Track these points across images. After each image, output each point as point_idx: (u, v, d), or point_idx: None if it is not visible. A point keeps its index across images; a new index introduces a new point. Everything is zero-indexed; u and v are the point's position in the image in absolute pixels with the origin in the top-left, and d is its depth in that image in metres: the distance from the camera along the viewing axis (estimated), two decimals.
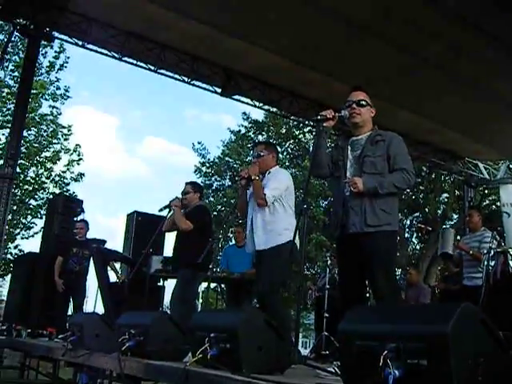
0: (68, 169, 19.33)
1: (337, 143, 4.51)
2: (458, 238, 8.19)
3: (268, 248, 5.06)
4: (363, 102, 4.27)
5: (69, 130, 19.62)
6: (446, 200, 21.69)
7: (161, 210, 6.70)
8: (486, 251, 6.72)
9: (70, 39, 8.62)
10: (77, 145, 19.57)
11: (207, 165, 23.88)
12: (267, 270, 4.97)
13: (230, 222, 21.19)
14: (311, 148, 21.65)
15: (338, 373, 3.33)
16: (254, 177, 5.17)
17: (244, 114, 23.09)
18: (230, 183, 23.55)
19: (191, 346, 3.95)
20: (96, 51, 8.73)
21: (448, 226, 21.01)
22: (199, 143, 23.77)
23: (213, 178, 24.15)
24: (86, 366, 5.01)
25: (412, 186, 4.17)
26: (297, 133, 23.05)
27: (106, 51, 8.80)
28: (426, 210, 21.37)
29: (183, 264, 6.32)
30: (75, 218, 9.55)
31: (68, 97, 19.40)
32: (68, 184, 19.37)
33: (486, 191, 18.05)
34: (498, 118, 9.92)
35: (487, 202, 20.93)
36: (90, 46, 8.66)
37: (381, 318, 2.73)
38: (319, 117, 4.19)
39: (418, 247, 23.53)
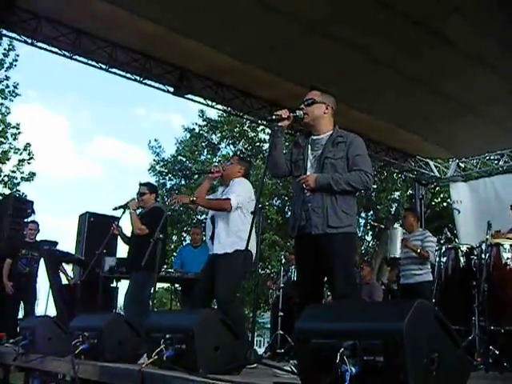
0: (18, 168, 18.96)
1: (297, 141, 4.49)
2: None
3: (227, 252, 5.08)
4: (310, 101, 4.27)
5: (17, 129, 19.25)
6: (398, 198, 22.02)
7: (115, 208, 6.65)
8: (432, 250, 6.85)
9: (18, 37, 8.42)
10: (27, 143, 19.23)
11: (161, 163, 23.71)
12: (225, 276, 4.98)
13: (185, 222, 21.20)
14: (265, 147, 21.80)
15: (294, 371, 3.34)
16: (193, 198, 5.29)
17: (201, 111, 23.04)
18: (183, 182, 23.46)
19: (146, 348, 3.92)
20: (46, 49, 8.56)
21: (397, 225, 21.31)
22: (155, 141, 23.60)
23: (166, 177, 24.00)
24: (39, 371, 4.92)
25: (369, 188, 4.15)
26: (251, 133, 23.12)
27: (56, 49, 8.63)
28: (378, 207, 21.67)
29: (137, 266, 6.25)
30: (25, 220, 9.37)
31: (17, 94, 19.02)
32: (18, 184, 19.00)
33: (437, 189, 18.38)
34: (447, 118, 10.08)
35: (438, 199, 21.34)
36: (40, 44, 8.48)
37: (337, 315, 2.75)
38: (274, 116, 4.20)
39: (371, 245, 23.86)
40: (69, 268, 9.20)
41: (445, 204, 20.78)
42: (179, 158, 23.50)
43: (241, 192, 5.22)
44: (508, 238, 5.75)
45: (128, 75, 9.39)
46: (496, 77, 8.53)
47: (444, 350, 2.39)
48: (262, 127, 20.94)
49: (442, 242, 6.57)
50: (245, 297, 17.28)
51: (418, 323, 2.32)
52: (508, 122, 10.16)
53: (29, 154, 19.13)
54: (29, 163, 19.12)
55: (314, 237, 4.02)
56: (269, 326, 14.12)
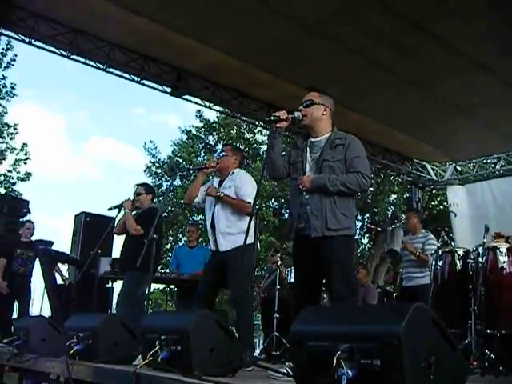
0: (14, 168, 18.97)
1: (295, 143, 4.47)
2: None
3: (233, 248, 5.07)
4: (308, 102, 4.24)
5: (15, 129, 19.27)
6: (394, 201, 22.01)
7: (110, 209, 6.62)
8: (433, 252, 6.83)
9: (16, 35, 8.37)
10: (24, 143, 19.26)
11: (157, 165, 23.68)
12: (236, 273, 4.94)
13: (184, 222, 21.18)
14: (263, 149, 21.75)
15: (290, 374, 3.32)
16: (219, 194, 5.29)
17: (198, 111, 22.98)
18: (179, 183, 23.41)
19: (141, 349, 3.89)
20: (43, 48, 8.51)
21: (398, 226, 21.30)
22: (151, 142, 23.57)
23: (163, 178, 23.96)
24: (32, 371, 4.88)
25: (365, 190, 4.17)
26: (248, 135, 23.09)
27: (53, 48, 8.59)
28: (375, 210, 21.65)
29: (131, 266, 6.20)
30: (21, 219, 9.33)
31: (14, 94, 19.04)
32: (14, 184, 18.99)
33: (434, 192, 18.35)
34: (444, 121, 10.08)
35: (435, 202, 21.32)
36: (37, 43, 8.43)
37: (334, 318, 2.73)
38: (272, 117, 4.18)
39: (367, 248, 23.83)
40: (64, 268, 9.18)
41: (442, 207, 20.77)
42: (176, 159, 23.46)
43: (251, 191, 5.22)
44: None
45: (125, 75, 9.35)
46: (494, 80, 8.53)
47: (441, 354, 2.37)
48: (259, 129, 20.93)
49: (438, 245, 6.53)
50: None
51: (416, 327, 2.30)
52: (505, 125, 10.17)
53: (25, 154, 19.18)
54: (25, 163, 19.17)
55: (312, 239, 4.00)
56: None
